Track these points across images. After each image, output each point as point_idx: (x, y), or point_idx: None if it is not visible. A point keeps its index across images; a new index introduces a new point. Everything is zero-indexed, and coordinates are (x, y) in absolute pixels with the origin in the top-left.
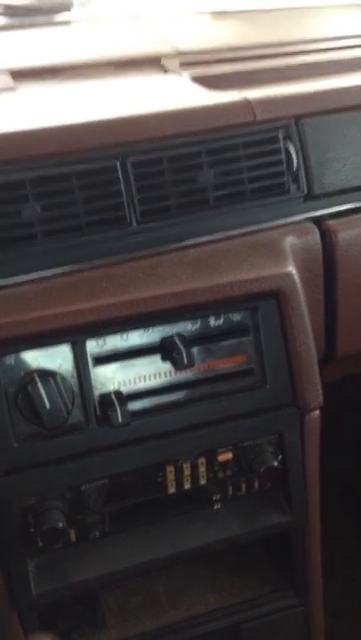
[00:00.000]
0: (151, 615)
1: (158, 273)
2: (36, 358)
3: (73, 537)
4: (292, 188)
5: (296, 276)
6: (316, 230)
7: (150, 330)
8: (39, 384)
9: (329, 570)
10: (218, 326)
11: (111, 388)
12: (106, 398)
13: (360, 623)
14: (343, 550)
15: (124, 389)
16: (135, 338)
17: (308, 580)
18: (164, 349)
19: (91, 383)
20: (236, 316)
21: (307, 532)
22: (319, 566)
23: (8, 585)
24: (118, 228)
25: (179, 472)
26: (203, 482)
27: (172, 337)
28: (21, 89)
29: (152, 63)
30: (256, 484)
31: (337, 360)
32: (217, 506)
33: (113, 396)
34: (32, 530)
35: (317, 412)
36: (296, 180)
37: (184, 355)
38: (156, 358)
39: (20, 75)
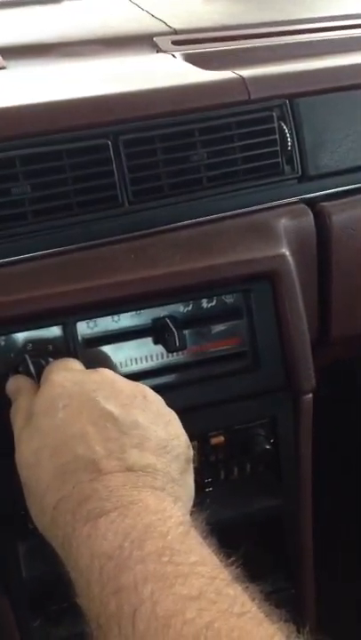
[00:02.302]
0: None
1: (150, 254)
2: (26, 340)
3: None
4: (287, 168)
5: (290, 258)
6: (310, 212)
7: (142, 312)
8: (30, 366)
9: (321, 554)
10: (210, 308)
11: None
12: None
13: (352, 607)
14: (337, 535)
15: (115, 372)
16: (127, 320)
17: (299, 564)
18: (155, 332)
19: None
20: (228, 299)
21: (299, 516)
22: (311, 550)
23: None
24: (110, 208)
25: None
26: (195, 465)
27: (163, 319)
28: (12, 67)
29: (144, 41)
30: (248, 468)
31: (330, 343)
32: (209, 489)
33: None
34: (23, 512)
35: (310, 395)
36: (290, 160)
37: (176, 337)
38: (148, 340)
39: (10, 53)
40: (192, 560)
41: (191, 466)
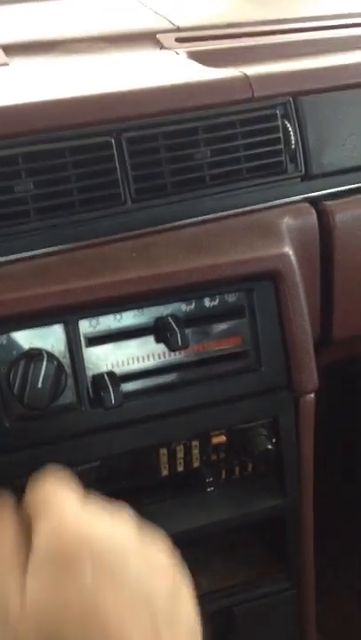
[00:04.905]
0: None
1: (152, 252)
2: (27, 338)
3: None
4: (290, 167)
5: (293, 258)
6: (314, 211)
7: (144, 310)
8: (31, 364)
9: (322, 554)
10: (213, 307)
11: (104, 369)
12: (99, 379)
13: (351, 607)
14: (337, 536)
15: (117, 370)
16: (129, 318)
17: (300, 564)
18: (158, 330)
19: (83, 364)
20: (231, 298)
21: (300, 516)
22: (312, 550)
23: None
24: (112, 206)
25: (172, 454)
26: (196, 464)
27: (166, 318)
28: (14, 64)
29: (147, 39)
30: (250, 468)
31: (332, 343)
32: (210, 489)
33: (106, 377)
34: None
35: (312, 395)
36: (294, 159)
37: (178, 336)
38: (150, 339)
39: (13, 50)
40: None
41: None
